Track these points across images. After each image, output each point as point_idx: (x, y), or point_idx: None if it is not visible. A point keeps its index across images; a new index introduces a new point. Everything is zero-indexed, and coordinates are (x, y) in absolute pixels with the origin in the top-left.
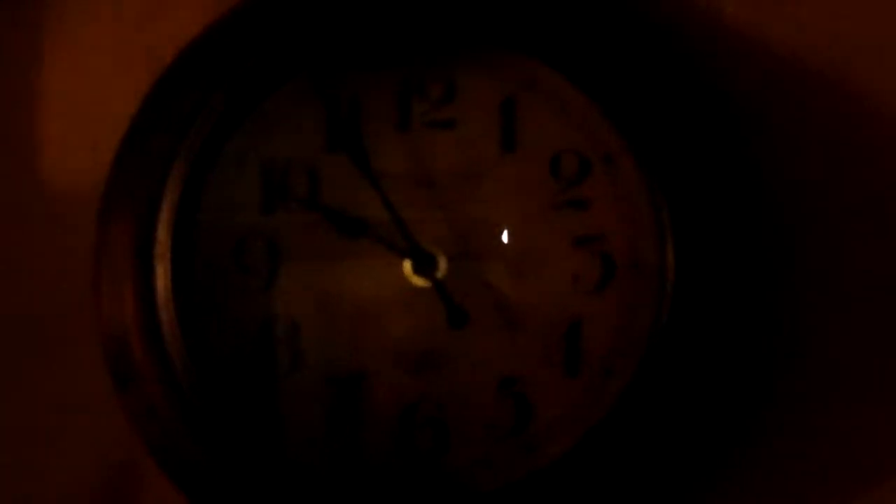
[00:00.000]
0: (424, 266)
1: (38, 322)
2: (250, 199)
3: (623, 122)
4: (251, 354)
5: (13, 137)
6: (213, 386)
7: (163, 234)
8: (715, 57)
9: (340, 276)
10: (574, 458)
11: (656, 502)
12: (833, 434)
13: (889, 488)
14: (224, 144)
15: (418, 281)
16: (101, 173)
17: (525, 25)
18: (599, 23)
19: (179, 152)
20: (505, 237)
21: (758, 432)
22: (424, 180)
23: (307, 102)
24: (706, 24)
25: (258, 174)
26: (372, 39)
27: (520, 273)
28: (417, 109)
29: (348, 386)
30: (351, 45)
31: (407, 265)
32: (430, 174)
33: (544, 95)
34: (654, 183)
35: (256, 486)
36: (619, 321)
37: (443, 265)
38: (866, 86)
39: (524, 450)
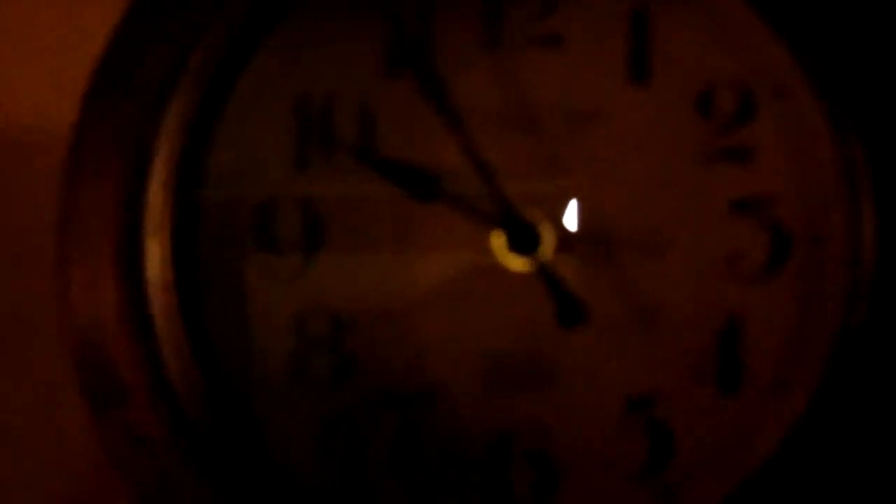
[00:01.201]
0: (524, 242)
1: None
2: (278, 149)
3: (802, 42)
4: (280, 362)
5: None
6: (227, 406)
7: (156, 198)
8: None
9: (404, 255)
10: None
11: None
12: None
13: None
14: (240, 72)
15: (515, 262)
16: (68, 117)
17: None
18: None
19: (178, 84)
20: (635, 201)
21: None
22: (522, 120)
23: (357, 12)
24: None
25: (289, 114)
26: None
27: (655, 252)
28: (512, 20)
29: (415, 406)
30: None
31: (499, 240)
32: (530, 112)
33: (691, 4)
34: (843, 126)
35: None
36: (794, 318)
37: (549, 241)
38: None
39: (661, 497)
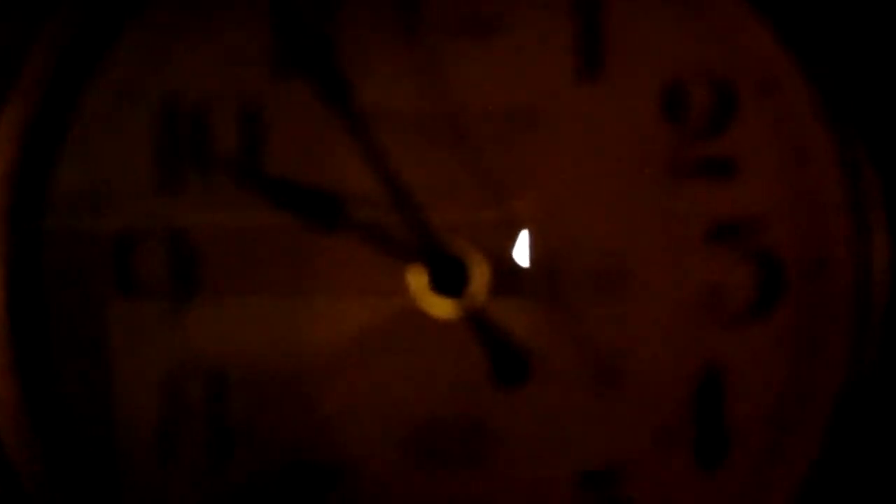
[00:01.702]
0: (449, 280)
1: None
2: (140, 167)
3: (791, 31)
4: (143, 431)
5: None
6: (74, 490)
7: None
8: None
9: (300, 300)
10: None
11: None
12: None
13: None
14: (89, 73)
15: (440, 306)
16: None
17: None
18: None
19: (12, 90)
20: (589, 228)
21: None
22: (445, 128)
23: None
24: None
25: (152, 121)
26: None
27: (615, 291)
28: (432, 3)
29: (316, 486)
30: None
31: (419, 278)
32: (455, 117)
33: None
34: (843, 127)
35: None
36: (787, 370)
37: (481, 278)
38: None
39: None
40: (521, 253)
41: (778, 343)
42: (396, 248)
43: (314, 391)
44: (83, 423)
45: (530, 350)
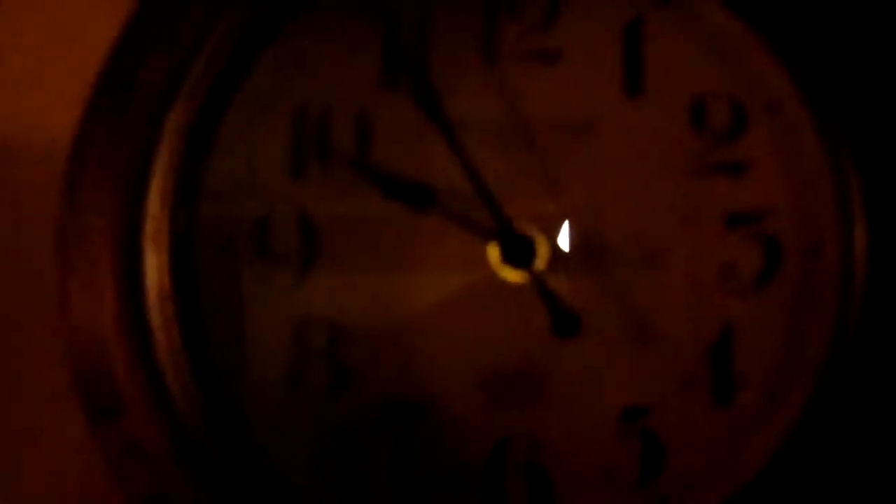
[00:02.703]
0: (519, 253)
1: None
2: (276, 160)
3: (793, 58)
4: (277, 373)
5: None
6: (225, 417)
7: (156, 209)
8: None
9: (400, 266)
10: None
11: None
12: None
13: None
14: (238, 83)
15: (510, 274)
16: (69, 126)
17: None
18: None
19: (176, 95)
20: (629, 214)
21: None
22: (517, 133)
23: (355, 22)
24: None
25: (287, 124)
26: None
27: (649, 265)
28: (509, 34)
29: (411, 418)
30: None
31: (494, 252)
32: (527, 125)
33: (685, 18)
34: (834, 140)
35: None
36: (786, 328)
37: (544, 252)
38: None
39: None
40: (575, 234)
41: (778, 308)
42: (477, 230)
43: (410, 343)
44: (227, 363)
45: (580, 310)
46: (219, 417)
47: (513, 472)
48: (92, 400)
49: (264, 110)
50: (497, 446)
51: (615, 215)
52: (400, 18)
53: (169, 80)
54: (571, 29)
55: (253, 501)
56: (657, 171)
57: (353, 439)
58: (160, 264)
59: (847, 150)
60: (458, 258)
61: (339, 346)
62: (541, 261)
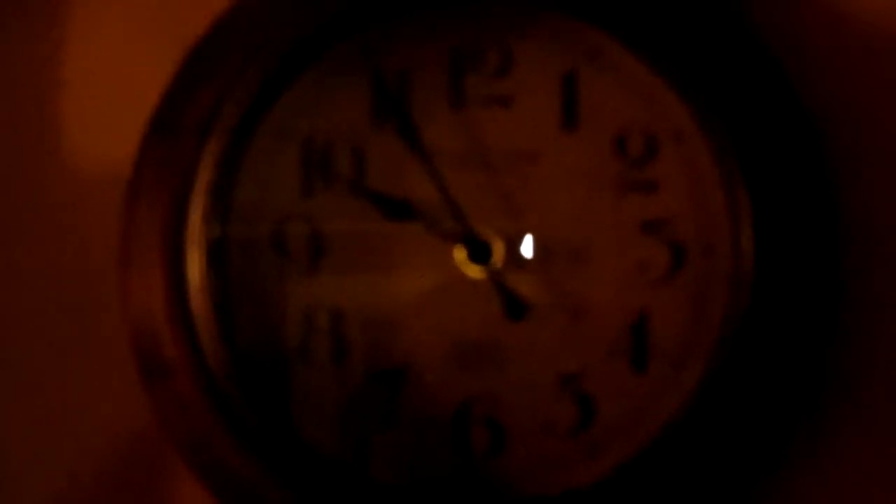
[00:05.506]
0: (479, 253)
1: (61, 314)
2: (289, 181)
3: (694, 97)
4: (291, 345)
5: (33, 118)
6: (250, 379)
7: (196, 217)
8: (792, 28)
9: (387, 264)
10: (640, 461)
11: None
12: None
13: None
14: (261, 120)
15: (472, 270)
16: (128, 154)
17: None
18: None
19: (213, 129)
20: (566, 222)
21: (835, 430)
22: (479, 160)
23: (351, 74)
24: None
25: (298, 153)
26: (422, 4)
27: (583, 261)
28: (471, 82)
29: (394, 380)
30: (399, 10)
31: (460, 252)
32: (486, 153)
33: (609, 68)
34: (727, 163)
35: (293, 485)
36: (689, 312)
37: (499, 252)
38: None
39: (586, 452)
40: (524, 239)
41: (683, 296)
42: (447, 235)
43: (395, 324)
44: (252, 339)
45: (528, 298)
46: (245, 380)
47: (476, 424)
48: (146, 366)
49: (280, 142)
50: (463, 404)
51: (555, 223)
52: (386, 72)
53: (204, 120)
54: (521, 79)
55: (272, 442)
56: (588, 189)
57: (353, 395)
58: (199, 263)
59: (737, 171)
60: (432, 258)
61: (339, 326)
62: (497, 260)
